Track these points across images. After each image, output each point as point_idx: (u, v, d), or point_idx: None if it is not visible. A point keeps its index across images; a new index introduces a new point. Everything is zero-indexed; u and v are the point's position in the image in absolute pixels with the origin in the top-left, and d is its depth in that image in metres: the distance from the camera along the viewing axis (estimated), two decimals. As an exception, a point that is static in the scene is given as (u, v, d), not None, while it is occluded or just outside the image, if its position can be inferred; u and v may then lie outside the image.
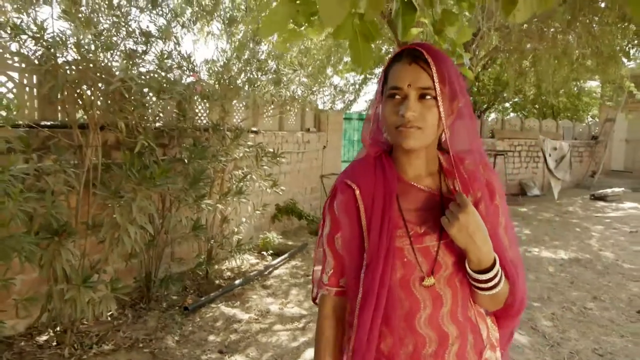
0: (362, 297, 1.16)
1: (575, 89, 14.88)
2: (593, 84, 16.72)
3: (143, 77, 3.34)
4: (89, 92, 3.28)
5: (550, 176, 11.38)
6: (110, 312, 3.55)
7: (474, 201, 1.18)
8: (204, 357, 3.46)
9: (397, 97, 1.14)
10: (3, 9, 3.60)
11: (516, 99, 17.33)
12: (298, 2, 1.32)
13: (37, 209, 2.91)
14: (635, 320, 4.32)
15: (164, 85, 3.39)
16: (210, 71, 4.87)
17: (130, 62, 3.32)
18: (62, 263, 3.14)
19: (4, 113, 2.99)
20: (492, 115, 16.83)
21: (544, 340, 3.88)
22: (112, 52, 3.28)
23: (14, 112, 2.88)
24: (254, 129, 6.28)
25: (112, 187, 3.33)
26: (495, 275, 1.12)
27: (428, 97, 1.11)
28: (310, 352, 3.59)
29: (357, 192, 1.22)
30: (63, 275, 3.26)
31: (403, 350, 1.16)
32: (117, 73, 3.07)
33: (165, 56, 3.61)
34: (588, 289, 5.20)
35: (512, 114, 17.64)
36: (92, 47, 3.28)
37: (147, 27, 3.75)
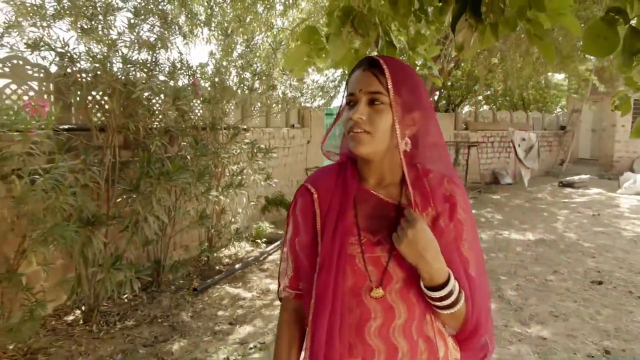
0: (316, 301, 1.15)
1: (542, 82, 15.66)
2: (560, 77, 17.52)
3: (159, 86, 3.83)
4: (108, 99, 3.73)
5: (520, 165, 12.11)
6: (134, 292, 4.02)
7: (434, 215, 1.17)
8: (217, 328, 3.97)
9: (351, 103, 1.16)
10: (20, 25, 4.00)
11: (488, 93, 18.07)
12: (311, 43, 1.85)
13: (70, 201, 3.38)
14: (588, 289, 4.98)
15: (178, 92, 3.87)
16: (205, 75, 5.35)
17: (149, 73, 3.79)
18: (93, 249, 3.62)
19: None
20: (466, 108, 17.55)
21: (508, 306, 4.49)
22: (129, 64, 3.75)
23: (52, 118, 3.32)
24: (244, 126, 6.77)
25: (132, 182, 3.81)
26: (451, 293, 1.10)
27: (378, 102, 1.13)
28: (308, 322, 4.13)
29: (315, 195, 1.23)
30: (92, 260, 3.75)
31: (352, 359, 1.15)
32: (137, 83, 3.54)
33: (177, 67, 4.09)
34: (550, 264, 5.85)
35: (485, 107, 18.38)
36: (111, 60, 3.76)
37: (154, 39, 4.19)
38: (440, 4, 1.80)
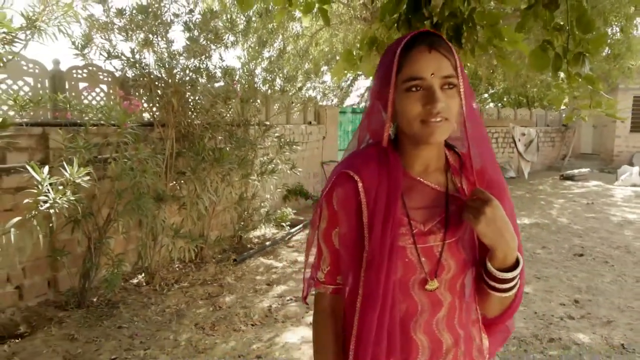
0: (364, 298, 1.09)
1: (544, 81, 16.38)
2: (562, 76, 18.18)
3: (215, 89, 4.70)
4: (173, 100, 4.59)
5: (520, 158, 12.89)
6: (190, 259, 4.87)
7: None
8: (257, 287, 4.84)
9: (419, 87, 1.04)
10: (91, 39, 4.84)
11: (493, 91, 18.81)
12: (348, 61, 2.70)
13: (148, 182, 4.24)
14: (570, 260, 5.79)
15: (230, 93, 4.74)
16: (241, 78, 6.21)
17: (210, 80, 4.67)
18: (160, 221, 4.49)
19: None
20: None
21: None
22: (189, 71, 4.62)
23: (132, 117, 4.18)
24: (270, 123, 7.63)
25: (189, 167, 4.68)
26: (519, 274, 1.07)
27: (451, 85, 1.04)
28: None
29: (360, 184, 1.12)
30: (159, 231, 4.61)
31: (394, 358, 1.09)
32: (197, 86, 4.42)
33: (222, 72, 4.97)
34: (540, 242, 6.67)
35: (491, 104, 19.12)
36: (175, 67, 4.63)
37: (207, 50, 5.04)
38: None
